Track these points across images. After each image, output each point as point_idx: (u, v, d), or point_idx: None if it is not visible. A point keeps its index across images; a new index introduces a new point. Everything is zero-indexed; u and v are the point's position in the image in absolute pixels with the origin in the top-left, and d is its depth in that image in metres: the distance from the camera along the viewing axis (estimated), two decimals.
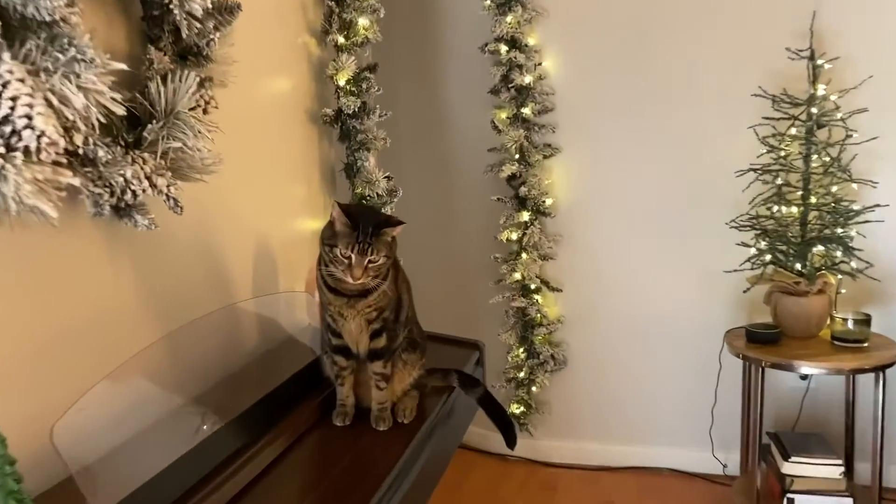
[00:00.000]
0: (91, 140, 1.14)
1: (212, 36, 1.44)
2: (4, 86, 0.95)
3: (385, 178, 2.34)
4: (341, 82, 2.26)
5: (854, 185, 2.53)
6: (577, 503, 2.82)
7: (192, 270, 1.64)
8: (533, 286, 2.93)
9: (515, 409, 3.03)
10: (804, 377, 2.72)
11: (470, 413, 1.80)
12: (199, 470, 1.18)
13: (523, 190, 2.85)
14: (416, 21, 3.02)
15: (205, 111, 1.42)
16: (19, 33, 1.02)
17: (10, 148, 0.97)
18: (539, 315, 2.95)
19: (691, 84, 2.77)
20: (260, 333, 1.69)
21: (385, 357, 1.50)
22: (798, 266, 2.51)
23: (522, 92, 2.81)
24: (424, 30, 3.03)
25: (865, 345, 2.43)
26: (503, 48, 2.79)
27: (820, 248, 2.51)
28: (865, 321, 2.46)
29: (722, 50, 2.72)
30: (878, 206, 2.49)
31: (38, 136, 1.00)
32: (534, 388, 3.03)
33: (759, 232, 2.58)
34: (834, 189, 2.52)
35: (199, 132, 1.37)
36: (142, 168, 1.27)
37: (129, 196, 1.24)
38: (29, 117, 0.96)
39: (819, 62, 2.52)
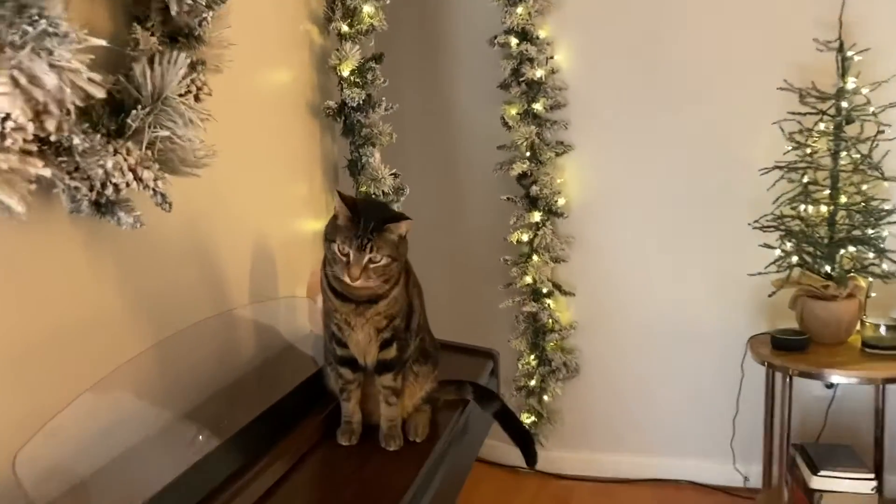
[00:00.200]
0: (66, 126, 1.02)
1: (204, 15, 1.31)
2: None
3: (391, 175, 2.26)
4: (345, 73, 2.18)
5: (886, 184, 2.43)
6: None
7: (184, 273, 1.54)
8: (545, 290, 2.83)
9: (526, 419, 2.92)
10: (830, 385, 2.61)
11: (485, 428, 1.70)
12: (189, 499, 1.06)
13: (534, 189, 2.76)
14: (423, 10, 2.93)
15: (196, 98, 1.30)
16: None
17: None
18: (551, 320, 2.84)
19: (712, 77, 2.67)
20: (257, 342, 1.61)
21: (395, 369, 1.38)
22: (826, 269, 2.43)
23: (533, 86, 2.72)
24: (432, 20, 2.94)
25: None
26: (513, 41, 2.70)
27: (850, 249, 2.42)
28: None
29: (744, 41, 2.62)
30: None
31: (3, 120, 0.91)
32: (545, 397, 2.92)
33: (784, 233, 2.49)
34: (864, 187, 2.43)
35: (191, 120, 1.26)
36: (125, 159, 1.15)
37: (110, 190, 1.13)
38: None
39: (848, 54, 2.42)
